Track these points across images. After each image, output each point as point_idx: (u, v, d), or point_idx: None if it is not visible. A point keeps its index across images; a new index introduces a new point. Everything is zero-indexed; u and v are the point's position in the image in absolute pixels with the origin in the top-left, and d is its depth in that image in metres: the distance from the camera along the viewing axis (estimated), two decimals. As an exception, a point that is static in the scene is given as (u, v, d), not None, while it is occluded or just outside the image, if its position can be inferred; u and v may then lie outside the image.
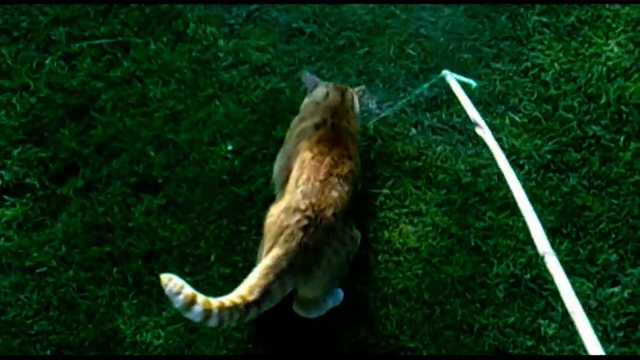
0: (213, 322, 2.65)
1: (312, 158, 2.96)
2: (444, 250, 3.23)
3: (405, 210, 3.33)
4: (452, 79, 3.12)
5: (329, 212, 2.84)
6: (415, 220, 3.31)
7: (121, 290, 3.16)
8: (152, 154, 3.49)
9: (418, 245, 3.24)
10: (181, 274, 3.12)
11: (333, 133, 3.09)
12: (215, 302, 2.65)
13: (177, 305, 2.61)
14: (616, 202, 3.32)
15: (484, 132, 2.65)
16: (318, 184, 2.88)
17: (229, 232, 3.27)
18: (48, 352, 3.02)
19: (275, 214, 2.87)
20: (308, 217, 2.81)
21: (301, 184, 2.89)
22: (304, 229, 2.79)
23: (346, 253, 2.90)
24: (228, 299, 2.68)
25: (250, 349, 3.00)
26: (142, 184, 3.42)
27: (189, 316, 2.62)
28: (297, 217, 2.81)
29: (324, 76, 3.71)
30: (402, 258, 3.21)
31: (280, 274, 2.73)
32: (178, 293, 2.61)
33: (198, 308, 2.62)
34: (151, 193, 3.40)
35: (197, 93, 3.67)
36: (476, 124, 2.59)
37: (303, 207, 2.83)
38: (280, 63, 3.75)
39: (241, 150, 3.50)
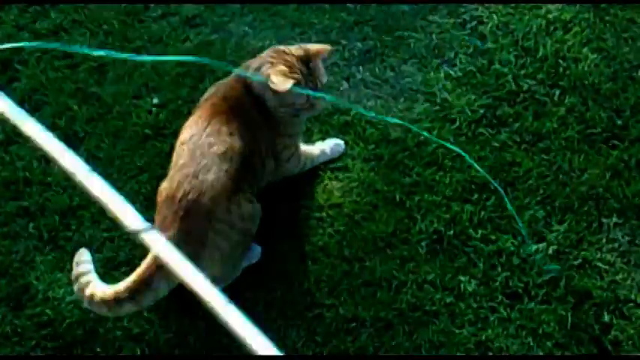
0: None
1: (189, 139, 2.84)
2: (367, 206, 3.16)
3: (331, 165, 3.26)
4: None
5: (205, 198, 2.74)
6: (340, 176, 3.24)
7: (35, 245, 3.10)
8: (75, 107, 3.41)
9: (342, 201, 3.17)
10: (98, 230, 3.09)
11: (218, 107, 2.91)
12: (89, 291, 2.70)
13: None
14: (546, 157, 3.25)
15: None
16: (191, 169, 2.77)
17: (150, 187, 3.20)
18: (-41, 308, 2.97)
19: (161, 197, 2.81)
20: (184, 208, 2.73)
21: (177, 169, 2.80)
22: (181, 219, 2.72)
23: (240, 231, 2.81)
24: (102, 292, 2.69)
25: (165, 304, 2.94)
26: (63, 138, 3.23)
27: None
28: (174, 207, 2.73)
29: (256, 28, 3.62)
30: (324, 214, 3.14)
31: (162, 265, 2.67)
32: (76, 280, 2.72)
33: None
34: (72, 148, 3.28)
35: (125, 45, 3.58)
36: None
37: (179, 196, 2.74)
38: (212, 15, 3.66)
39: (167, 103, 3.42)
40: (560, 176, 3.20)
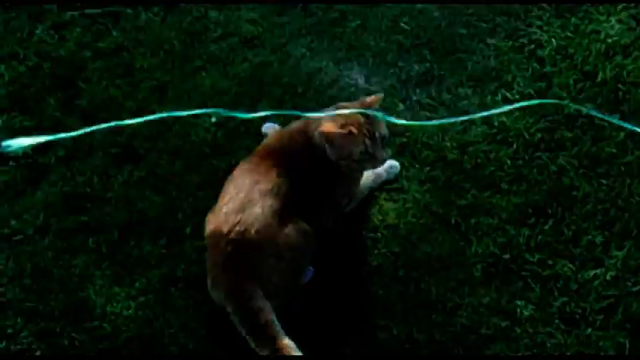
0: None
1: (239, 175, 2.92)
2: (423, 227, 3.16)
3: (387, 186, 3.26)
4: None
5: (252, 230, 2.79)
6: (396, 197, 3.24)
7: (94, 260, 3.14)
8: (136, 125, 3.46)
9: (397, 222, 3.17)
10: (156, 246, 3.13)
11: (272, 150, 3.01)
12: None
13: None
14: (605, 182, 3.22)
15: None
16: (237, 203, 2.84)
17: (207, 204, 3.22)
18: (19, 320, 3.01)
19: (209, 225, 2.89)
20: (232, 242, 2.79)
21: (224, 202, 2.88)
22: (230, 255, 2.80)
23: (291, 260, 2.84)
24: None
25: (222, 323, 2.96)
26: (123, 154, 3.40)
27: None
28: (222, 242, 2.80)
29: (314, 50, 3.65)
30: (379, 235, 3.15)
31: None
32: None
33: None
34: (132, 164, 3.37)
35: (184, 64, 3.63)
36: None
37: (225, 229, 2.80)
38: (270, 36, 3.70)
39: (225, 122, 3.45)
40: (619, 202, 3.17)
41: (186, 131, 3.43)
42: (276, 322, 2.73)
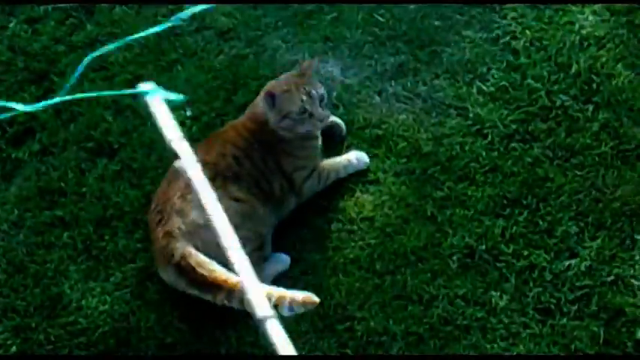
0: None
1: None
2: (399, 219, 3.16)
3: (363, 179, 3.27)
4: (156, 97, 2.95)
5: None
6: (372, 189, 3.24)
7: (70, 255, 3.13)
8: (110, 119, 3.45)
9: (373, 214, 3.17)
10: (132, 241, 3.11)
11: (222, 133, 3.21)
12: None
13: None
14: (579, 173, 3.24)
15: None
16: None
17: (182, 198, 3.22)
18: (-6, 316, 3.00)
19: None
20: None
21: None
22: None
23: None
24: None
25: (198, 315, 2.95)
26: (98, 149, 3.39)
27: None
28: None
29: (289, 42, 3.65)
30: (355, 227, 3.15)
31: None
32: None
33: None
34: (107, 158, 3.36)
35: (160, 58, 3.62)
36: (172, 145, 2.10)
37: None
38: (246, 29, 3.69)
39: (200, 116, 3.45)
40: (593, 192, 3.19)
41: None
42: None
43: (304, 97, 3.02)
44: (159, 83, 3.48)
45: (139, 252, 3.10)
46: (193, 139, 3.27)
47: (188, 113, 3.44)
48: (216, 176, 2.93)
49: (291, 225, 3.13)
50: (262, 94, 3.07)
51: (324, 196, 3.20)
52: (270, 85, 3.12)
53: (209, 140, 3.14)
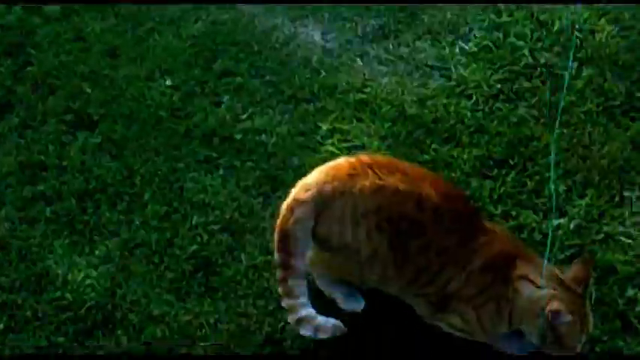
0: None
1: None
2: (385, 183, 3.12)
3: (348, 144, 3.23)
4: None
5: None
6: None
7: (53, 229, 3.08)
8: (88, 90, 3.39)
9: (359, 179, 3.13)
10: (115, 213, 3.07)
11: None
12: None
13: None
14: (566, 131, 3.21)
15: None
16: None
17: (165, 169, 3.18)
18: (-23, 293, 2.96)
19: None
20: None
21: None
22: None
23: None
24: None
25: (183, 287, 2.92)
26: (77, 121, 3.33)
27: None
28: None
29: (267, 6, 3.59)
30: (342, 192, 3.11)
31: None
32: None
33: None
34: (87, 131, 3.30)
35: (136, 27, 3.55)
36: None
37: None
38: (223, -6, 3.63)
39: (180, 85, 3.39)
40: (581, 150, 3.17)
41: (140, 95, 3.37)
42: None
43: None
44: (137, 52, 3.47)
45: (122, 224, 3.05)
46: (173, 109, 3.25)
47: (167, 82, 3.39)
48: None
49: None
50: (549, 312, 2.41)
51: (310, 164, 3.16)
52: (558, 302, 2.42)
53: None
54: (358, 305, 2.72)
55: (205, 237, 2.96)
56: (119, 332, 2.82)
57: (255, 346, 2.71)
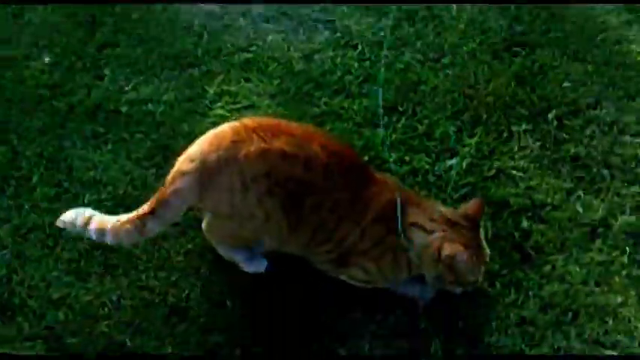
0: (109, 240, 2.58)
1: None
2: (278, 141, 3.10)
3: (238, 105, 3.20)
4: None
5: None
6: (249, 115, 3.17)
7: None
8: (-37, 75, 3.27)
9: (252, 139, 3.10)
10: (3, 199, 2.97)
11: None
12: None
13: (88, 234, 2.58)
14: (451, 73, 3.24)
15: None
16: None
17: (52, 149, 3.09)
18: None
19: None
20: None
21: None
22: None
23: None
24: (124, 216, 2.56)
25: (82, 268, 2.85)
26: (-45, 108, 3.21)
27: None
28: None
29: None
30: (235, 154, 3.08)
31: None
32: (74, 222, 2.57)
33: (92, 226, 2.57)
34: (-34, 118, 3.19)
35: (6, 6, 3.42)
36: None
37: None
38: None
39: (60, 61, 3.29)
40: (467, 90, 3.20)
41: (20, 75, 3.26)
42: None
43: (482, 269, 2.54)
44: (11, 31, 3.35)
45: (12, 210, 2.96)
46: (55, 86, 3.16)
47: (47, 59, 3.29)
48: None
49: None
50: (445, 256, 2.45)
51: (200, 130, 3.12)
52: (453, 244, 2.46)
53: None
54: (261, 266, 2.71)
55: (100, 214, 2.89)
56: (19, 319, 2.75)
57: (161, 318, 2.67)
